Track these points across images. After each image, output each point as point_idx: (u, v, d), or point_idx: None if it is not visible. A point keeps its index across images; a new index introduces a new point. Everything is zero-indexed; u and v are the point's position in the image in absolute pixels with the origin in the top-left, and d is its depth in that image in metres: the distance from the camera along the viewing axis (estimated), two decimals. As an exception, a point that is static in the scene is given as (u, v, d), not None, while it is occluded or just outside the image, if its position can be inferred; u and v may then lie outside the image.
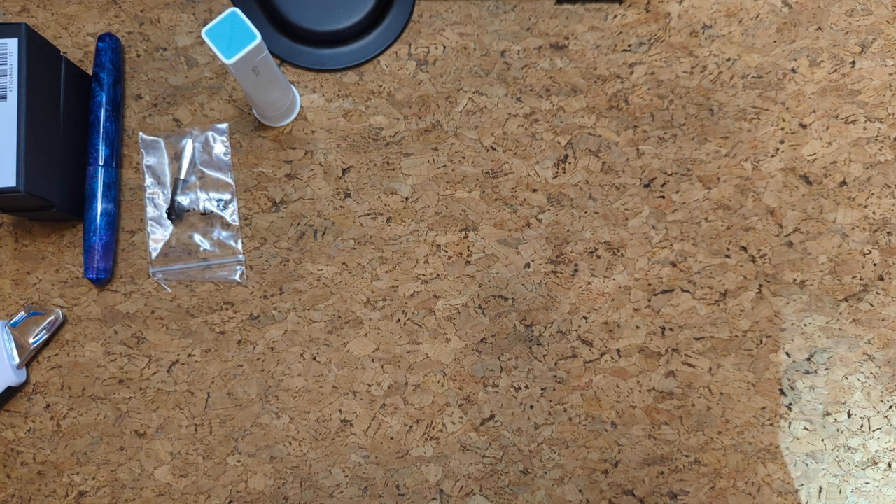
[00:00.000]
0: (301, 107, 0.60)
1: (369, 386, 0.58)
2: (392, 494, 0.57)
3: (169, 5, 0.61)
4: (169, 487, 0.57)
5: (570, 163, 0.59)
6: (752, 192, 0.59)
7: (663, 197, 0.59)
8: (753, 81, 0.60)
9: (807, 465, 0.57)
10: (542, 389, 0.57)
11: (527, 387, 0.57)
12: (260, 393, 0.57)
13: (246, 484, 0.57)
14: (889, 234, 0.58)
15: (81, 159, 0.57)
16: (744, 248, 0.58)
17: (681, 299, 0.58)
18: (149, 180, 0.59)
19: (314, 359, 0.58)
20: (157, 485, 0.57)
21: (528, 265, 0.58)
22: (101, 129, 0.57)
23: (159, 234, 0.58)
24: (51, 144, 0.53)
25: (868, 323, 0.58)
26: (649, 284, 0.58)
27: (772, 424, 0.57)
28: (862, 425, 0.57)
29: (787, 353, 0.58)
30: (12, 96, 0.49)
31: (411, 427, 0.57)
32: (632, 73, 0.60)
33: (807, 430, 0.57)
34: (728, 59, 0.60)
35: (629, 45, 0.60)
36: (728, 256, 0.58)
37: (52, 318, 0.57)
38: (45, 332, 0.57)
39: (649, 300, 0.58)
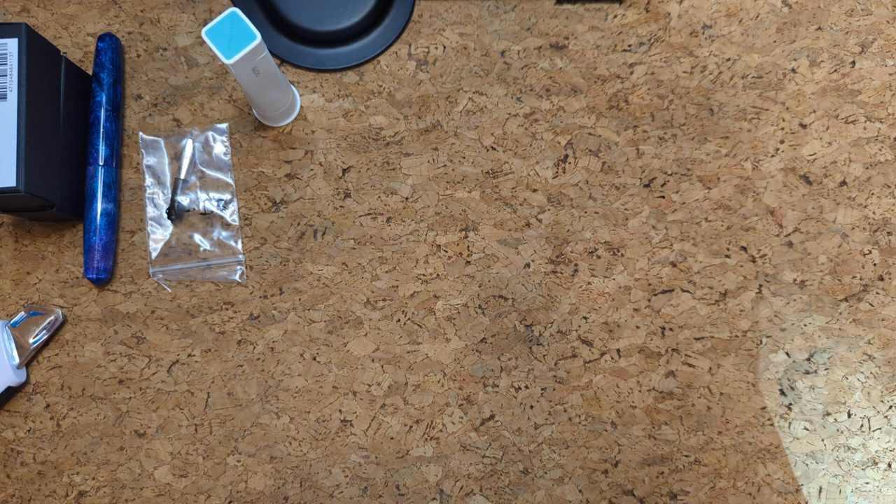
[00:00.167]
0: (301, 107, 0.60)
1: (369, 386, 0.58)
2: (392, 494, 0.57)
3: (169, 5, 0.61)
4: (169, 487, 0.57)
5: (570, 163, 0.59)
6: (752, 192, 0.59)
7: (663, 197, 0.59)
8: (753, 81, 0.60)
9: (807, 465, 0.57)
10: (542, 389, 0.57)
11: (527, 387, 0.57)
12: (260, 393, 0.57)
13: (246, 484, 0.57)
14: (889, 234, 0.58)
15: (81, 159, 0.57)
16: (744, 248, 0.58)
17: (681, 299, 0.58)
18: (149, 180, 0.59)
19: (314, 359, 0.58)
20: (157, 485, 0.57)
21: (528, 265, 0.58)
22: (101, 129, 0.57)
23: (159, 234, 0.58)
24: (51, 144, 0.53)
25: (868, 323, 0.58)
26: (649, 284, 0.58)
27: (772, 424, 0.57)
28: (862, 425, 0.57)
29: (787, 353, 0.58)
30: (12, 96, 0.49)
31: (411, 427, 0.57)
32: (632, 73, 0.60)
33: (807, 430, 0.57)
34: (728, 59, 0.60)
35: (629, 45, 0.60)
36: (728, 256, 0.58)
37: (52, 318, 0.57)
38: (45, 332, 0.57)
39: (649, 300, 0.58)
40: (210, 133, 0.59)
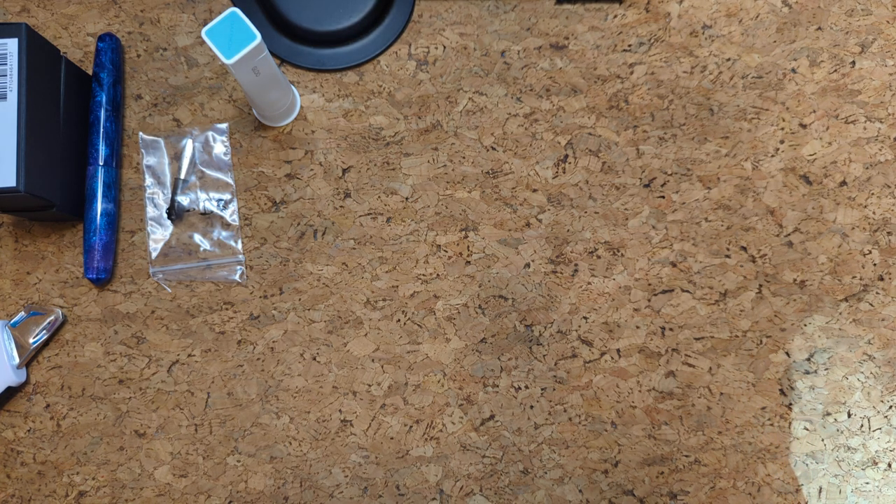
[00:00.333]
0: (301, 107, 0.60)
1: (369, 386, 0.58)
2: (392, 494, 0.57)
3: (169, 5, 0.61)
4: (169, 487, 0.57)
5: (570, 163, 0.59)
6: (752, 192, 0.59)
7: (663, 197, 0.59)
8: (753, 81, 0.60)
9: (807, 465, 0.57)
10: (542, 389, 0.57)
11: (527, 387, 0.57)
12: (260, 393, 0.57)
13: (246, 484, 0.57)
14: (889, 234, 0.58)
15: (81, 159, 0.57)
16: (744, 248, 0.58)
17: (681, 299, 0.58)
18: (149, 180, 0.59)
19: (314, 359, 0.58)
20: (157, 485, 0.57)
21: (528, 265, 0.58)
22: (101, 129, 0.57)
23: (159, 234, 0.58)
24: (51, 144, 0.53)
25: (868, 323, 0.58)
26: (649, 284, 0.58)
27: (772, 424, 0.57)
28: (862, 425, 0.57)
29: (787, 353, 0.58)
30: (12, 96, 0.49)
31: (411, 427, 0.57)
32: (632, 73, 0.60)
33: (807, 430, 0.57)
34: (728, 59, 0.60)
35: (629, 45, 0.60)
36: (728, 256, 0.58)
37: (52, 318, 0.57)
38: (45, 332, 0.57)
39: (649, 300, 0.58)
40: (210, 133, 0.59)
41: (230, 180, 0.59)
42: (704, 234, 0.58)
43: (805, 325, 0.58)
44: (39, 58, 0.51)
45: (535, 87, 0.60)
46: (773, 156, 0.59)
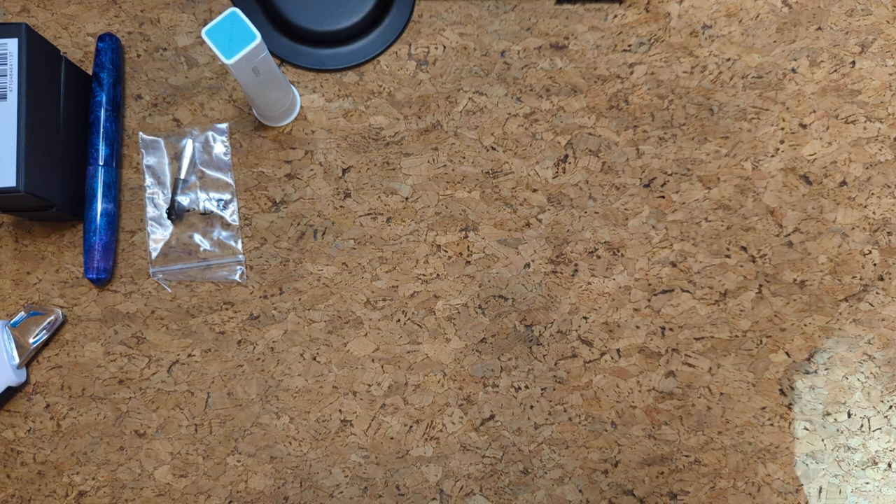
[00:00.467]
0: (301, 107, 0.60)
1: (369, 386, 0.58)
2: (392, 494, 0.57)
3: (169, 5, 0.61)
4: (169, 487, 0.57)
5: (570, 163, 0.59)
6: (752, 192, 0.59)
7: (663, 197, 0.59)
8: (753, 81, 0.60)
9: (807, 465, 0.57)
10: (542, 389, 0.57)
11: (527, 387, 0.57)
12: (260, 393, 0.57)
13: (246, 484, 0.57)
14: (889, 234, 0.58)
15: (81, 159, 0.57)
16: (744, 248, 0.58)
17: (681, 299, 0.58)
18: (149, 180, 0.59)
19: (314, 359, 0.58)
20: (157, 485, 0.57)
21: (528, 265, 0.58)
22: (101, 129, 0.57)
23: (159, 234, 0.58)
24: (51, 144, 0.53)
25: (868, 323, 0.58)
26: (649, 284, 0.58)
27: (772, 424, 0.57)
28: (862, 425, 0.57)
29: (787, 353, 0.58)
30: (12, 96, 0.49)
31: (411, 427, 0.57)
32: (632, 73, 0.60)
33: (807, 430, 0.57)
34: (728, 59, 0.60)
35: (629, 45, 0.60)
36: (728, 256, 0.58)
37: (52, 318, 0.57)
38: (45, 332, 0.57)
39: (649, 300, 0.58)
40: (210, 133, 0.59)
41: (230, 180, 0.59)
42: (704, 234, 0.58)
43: (805, 325, 0.58)
44: (39, 58, 0.51)
45: (535, 87, 0.60)
46: (773, 156, 0.59)
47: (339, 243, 0.59)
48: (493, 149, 0.59)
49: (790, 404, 0.57)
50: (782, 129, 0.59)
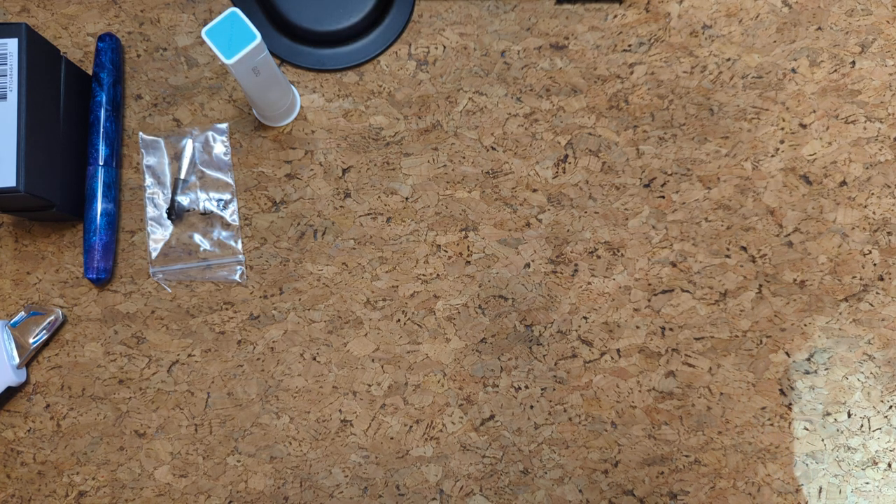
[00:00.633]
0: (301, 107, 0.60)
1: (369, 386, 0.58)
2: (392, 494, 0.57)
3: (169, 5, 0.61)
4: (169, 487, 0.57)
5: (570, 163, 0.59)
6: (752, 192, 0.59)
7: (663, 197, 0.59)
8: (753, 81, 0.60)
9: (807, 465, 0.57)
10: (542, 389, 0.57)
11: (527, 387, 0.57)
12: (260, 393, 0.57)
13: (246, 484, 0.57)
14: (889, 234, 0.58)
15: (81, 159, 0.57)
16: (744, 248, 0.58)
17: (681, 299, 0.58)
18: (149, 180, 0.59)
19: (314, 359, 0.58)
20: (157, 485, 0.57)
21: (528, 265, 0.58)
22: (101, 129, 0.57)
23: (159, 234, 0.58)
24: (51, 144, 0.53)
25: (868, 323, 0.58)
26: (649, 284, 0.58)
27: (772, 424, 0.57)
28: (862, 425, 0.57)
29: (787, 353, 0.58)
30: (12, 96, 0.49)
31: (411, 427, 0.57)
32: (632, 73, 0.60)
33: (807, 430, 0.57)
34: (728, 59, 0.60)
35: (629, 45, 0.60)
36: (728, 256, 0.58)
37: (52, 318, 0.57)
38: (45, 332, 0.57)
39: (649, 300, 0.58)
40: (210, 133, 0.59)
41: (230, 180, 0.59)
42: (704, 234, 0.58)
43: (805, 325, 0.58)
44: (39, 58, 0.51)
45: (535, 87, 0.60)
46: (773, 156, 0.59)
47: (339, 243, 0.59)
48: (493, 149, 0.59)
49: (790, 404, 0.57)
50: (782, 129, 0.59)
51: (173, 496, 0.57)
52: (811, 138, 0.59)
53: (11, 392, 0.57)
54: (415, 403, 0.57)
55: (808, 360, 0.58)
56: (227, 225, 0.59)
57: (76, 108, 0.57)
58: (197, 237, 0.58)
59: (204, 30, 0.48)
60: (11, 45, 0.50)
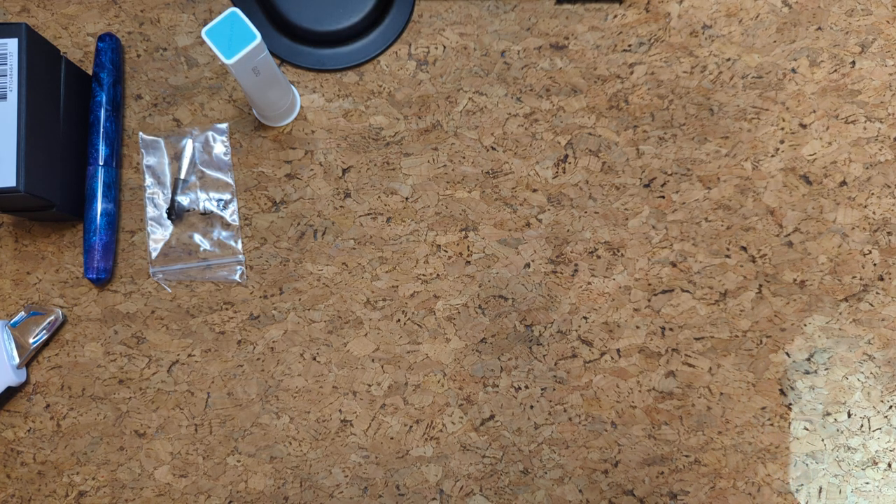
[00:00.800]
0: (301, 107, 0.60)
1: (369, 386, 0.58)
2: (392, 494, 0.57)
3: (169, 5, 0.61)
4: (169, 487, 0.57)
5: (570, 163, 0.59)
6: (752, 192, 0.59)
7: (663, 197, 0.59)
8: (753, 81, 0.60)
9: (807, 465, 0.57)
10: (542, 389, 0.57)
11: (527, 387, 0.57)
12: (260, 393, 0.57)
13: (246, 484, 0.57)
14: (889, 234, 0.58)
15: (81, 159, 0.57)
16: (744, 248, 0.58)
17: (681, 299, 0.58)
18: (149, 180, 0.59)
19: (314, 359, 0.58)
20: (157, 485, 0.57)
21: (528, 265, 0.58)
22: (101, 129, 0.57)
23: (159, 234, 0.58)
24: (51, 144, 0.53)
25: (868, 323, 0.58)
26: (649, 284, 0.58)
27: (772, 424, 0.57)
28: (862, 425, 0.57)
29: (787, 353, 0.58)
30: (12, 96, 0.49)
31: (411, 427, 0.57)
32: (632, 73, 0.60)
33: (807, 430, 0.57)
34: (728, 59, 0.60)
35: (629, 45, 0.60)
36: (728, 256, 0.58)
37: (52, 318, 0.57)
38: (45, 332, 0.57)
39: (649, 300, 0.58)
40: (210, 133, 0.59)
41: (230, 180, 0.59)
42: (704, 234, 0.58)
43: (805, 325, 0.58)
44: (39, 58, 0.51)
45: (535, 87, 0.60)
46: (773, 156, 0.59)
47: (339, 243, 0.59)
48: (493, 149, 0.59)
49: (790, 404, 0.57)
50: (782, 129, 0.59)
51: (173, 496, 0.57)
52: (811, 138, 0.59)
53: (11, 392, 0.57)
54: (415, 403, 0.57)
55: (808, 360, 0.58)
56: (227, 225, 0.59)
57: (76, 108, 0.57)
58: (197, 237, 0.58)
59: (204, 30, 0.48)
60: (11, 45, 0.50)
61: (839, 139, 0.59)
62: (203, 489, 0.57)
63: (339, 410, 0.57)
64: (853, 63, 0.60)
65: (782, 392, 0.57)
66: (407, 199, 0.59)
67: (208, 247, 0.58)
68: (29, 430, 0.57)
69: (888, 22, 0.60)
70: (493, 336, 0.58)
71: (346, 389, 0.58)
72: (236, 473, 0.57)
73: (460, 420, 0.57)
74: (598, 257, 0.58)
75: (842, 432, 0.57)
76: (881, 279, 0.58)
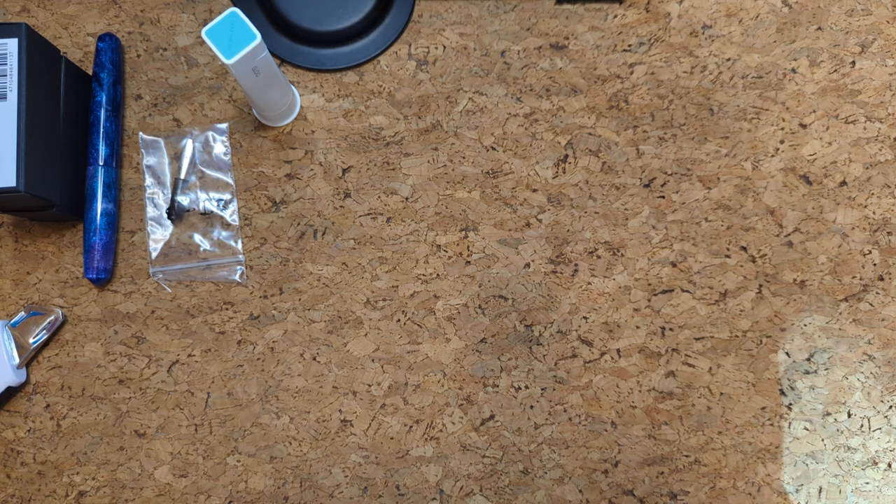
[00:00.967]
0: (301, 107, 0.60)
1: (369, 386, 0.58)
2: (392, 494, 0.57)
3: (169, 5, 0.61)
4: (169, 487, 0.57)
5: (570, 163, 0.59)
6: (752, 192, 0.59)
7: (663, 197, 0.59)
8: (753, 81, 0.60)
9: (807, 465, 0.57)
10: (542, 389, 0.57)
11: (527, 387, 0.57)
12: (260, 393, 0.57)
13: (246, 484, 0.57)
14: (889, 234, 0.58)
15: (81, 159, 0.57)
16: (744, 248, 0.58)
17: (681, 299, 0.58)
18: (149, 180, 0.59)
19: (314, 359, 0.58)
20: (157, 485, 0.57)
21: (528, 265, 0.58)
22: (101, 129, 0.57)
23: (159, 234, 0.58)
24: (51, 144, 0.53)
25: (868, 323, 0.58)
26: (649, 284, 0.58)
27: (772, 424, 0.57)
28: (862, 425, 0.57)
29: (787, 353, 0.58)
30: (12, 96, 0.49)
31: (411, 427, 0.57)
32: (632, 73, 0.60)
33: (807, 430, 0.57)
34: (728, 59, 0.60)
35: (629, 45, 0.60)
36: (728, 256, 0.58)
37: (52, 318, 0.57)
38: (45, 332, 0.57)
39: (649, 300, 0.58)
40: (210, 133, 0.59)
41: (230, 180, 0.59)
42: (704, 234, 0.58)
43: (805, 325, 0.58)
44: (39, 58, 0.51)
45: (535, 87, 0.60)
46: (773, 156, 0.59)
47: (339, 243, 0.59)
48: (493, 149, 0.59)
49: (790, 404, 0.57)
50: (782, 129, 0.59)
51: (173, 496, 0.57)
52: (811, 138, 0.59)
53: (11, 392, 0.57)
54: (415, 403, 0.57)
55: (808, 360, 0.58)
56: (227, 225, 0.59)
57: (76, 108, 0.57)
58: (197, 237, 0.58)
59: (204, 30, 0.48)
60: (11, 45, 0.50)
61: (839, 139, 0.59)
62: (203, 489, 0.57)
63: (339, 410, 0.57)
64: (853, 63, 0.60)
65: (782, 392, 0.57)
66: (407, 199, 0.59)
67: (208, 247, 0.58)
68: (29, 430, 0.57)
69: (888, 22, 0.60)
70: (493, 336, 0.58)
71: (346, 389, 0.58)
72: (236, 473, 0.57)
73: (460, 420, 0.57)
74: (598, 257, 0.58)
75: (842, 432, 0.57)
76: (881, 279, 0.58)
